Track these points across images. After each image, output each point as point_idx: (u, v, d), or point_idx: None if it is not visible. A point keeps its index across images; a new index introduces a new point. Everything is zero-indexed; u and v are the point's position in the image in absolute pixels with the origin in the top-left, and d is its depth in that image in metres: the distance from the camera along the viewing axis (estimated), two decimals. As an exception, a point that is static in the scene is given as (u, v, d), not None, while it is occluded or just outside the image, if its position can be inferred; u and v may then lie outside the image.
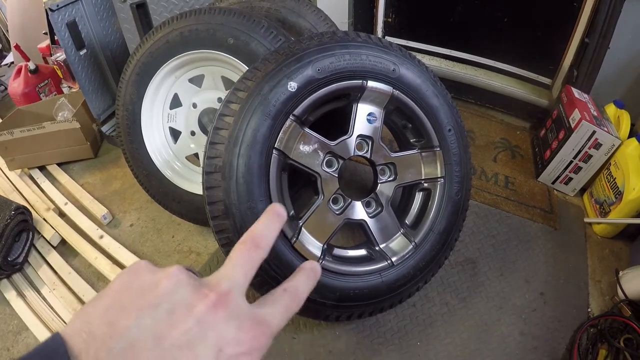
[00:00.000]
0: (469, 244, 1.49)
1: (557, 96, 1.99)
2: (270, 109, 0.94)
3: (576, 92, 1.84)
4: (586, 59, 1.85)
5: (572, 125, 1.67)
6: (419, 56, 2.29)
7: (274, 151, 0.96)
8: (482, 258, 1.46)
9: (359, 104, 1.10)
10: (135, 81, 1.36)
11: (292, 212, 1.03)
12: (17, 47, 2.37)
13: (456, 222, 1.19)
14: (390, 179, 1.17)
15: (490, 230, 1.54)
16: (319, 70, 0.99)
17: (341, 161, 1.09)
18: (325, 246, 1.06)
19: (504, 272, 1.43)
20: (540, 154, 1.87)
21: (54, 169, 2.02)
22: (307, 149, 1.03)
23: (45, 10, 1.77)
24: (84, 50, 1.93)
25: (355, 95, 1.09)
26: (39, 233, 1.72)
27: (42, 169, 2.04)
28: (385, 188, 1.16)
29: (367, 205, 1.14)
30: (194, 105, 1.39)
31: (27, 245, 1.65)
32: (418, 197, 1.22)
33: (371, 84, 1.07)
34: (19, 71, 2.31)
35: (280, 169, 0.99)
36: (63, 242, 1.69)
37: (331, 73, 1.00)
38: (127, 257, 1.53)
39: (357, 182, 1.75)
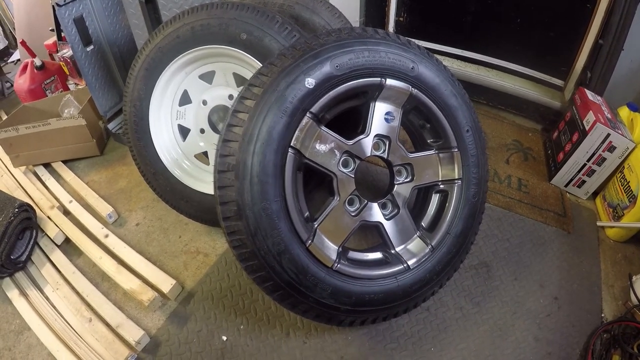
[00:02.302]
0: (483, 247, 1.44)
1: (569, 98, 1.94)
2: (286, 106, 0.89)
3: (590, 94, 1.79)
4: (600, 61, 1.81)
5: (586, 128, 1.62)
6: (431, 56, 2.31)
7: (290, 150, 0.92)
8: (496, 262, 1.41)
9: (376, 103, 1.06)
10: (143, 77, 1.31)
11: (307, 214, 0.99)
12: (23, 43, 2.32)
13: (473, 225, 1.15)
14: (407, 180, 1.12)
15: (504, 234, 1.49)
16: (337, 66, 0.94)
17: (358, 161, 1.04)
18: (340, 249, 1.01)
19: (518, 276, 1.38)
20: (553, 156, 1.82)
21: (59, 166, 1.97)
22: (324, 148, 0.98)
23: (53, 6, 1.72)
24: (91, 47, 1.88)
25: (373, 93, 1.05)
26: (42, 231, 1.67)
27: (47, 166, 2.00)
28: (402, 189, 1.11)
29: (383, 206, 1.10)
30: (204, 102, 1.34)
31: (31, 243, 1.61)
32: (435, 199, 1.18)
33: (390, 82, 1.02)
34: (24, 68, 2.27)
35: (295, 168, 0.94)
36: (67, 240, 1.64)
37: (350, 70, 0.96)
38: (132, 257, 1.47)
39: (371, 182, 1.70)
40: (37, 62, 2.25)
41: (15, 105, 2.30)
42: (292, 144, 0.92)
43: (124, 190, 1.77)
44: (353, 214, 1.04)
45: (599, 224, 1.65)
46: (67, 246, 1.63)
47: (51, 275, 1.55)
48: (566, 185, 1.74)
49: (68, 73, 2.24)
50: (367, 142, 1.06)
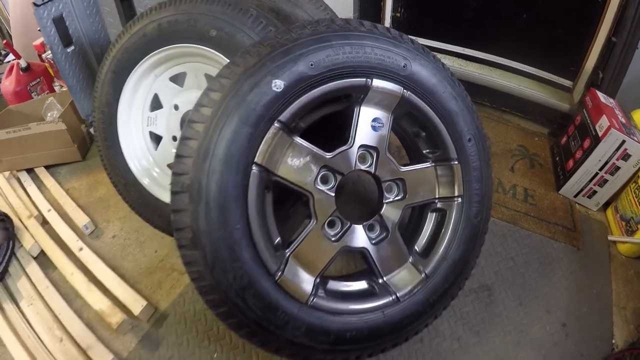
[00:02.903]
0: (484, 267, 1.28)
1: (579, 100, 1.77)
2: (249, 114, 0.73)
3: (602, 97, 1.61)
4: (613, 60, 1.63)
5: (600, 134, 1.45)
6: (429, 55, 2.14)
7: (254, 167, 0.76)
8: (498, 284, 1.25)
9: (361, 107, 0.89)
10: (111, 80, 1.17)
11: (278, 240, 0.83)
12: (7, 44, 2.21)
13: (474, 249, 0.98)
14: (399, 197, 0.95)
15: (509, 252, 1.32)
16: (312, 65, 0.78)
17: (339, 177, 0.88)
18: (317, 279, 0.86)
19: (522, 300, 1.22)
20: (561, 163, 1.65)
21: (41, 172, 1.85)
22: (297, 163, 0.82)
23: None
24: (72, 47, 1.75)
25: (357, 96, 0.88)
26: (19, 242, 1.56)
27: (30, 171, 1.87)
28: (392, 209, 0.95)
29: (370, 229, 0.94)
30: (176, 107, 1.19)
31: (7, 254, 1.49)
32: (430, 219, 1.01)
33: (377, 82, 0.86)
34: (10, 69, 2.15)
35: (262, 188, 0.78)
36: (43, 252, 1.52)
37: (327, 69, 0.80)
38: (105, 274, 1.34)
39: (362, 194, 1.50)
40: (23, 63, 2.13)
41: (2, 108, 2.19)
42: (256, 160, 0.76)
43: (103, 198, 1.64)
44: (333, 239, 0.88)
45: (610, 238, 1.49)
46: (44, 258, 1.51)
47: (26, 289, 1.43)
48: (575, 196, 1.57)
49: (53, 75, 2.12)
50: (351, 154, 0.89)
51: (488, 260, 1.30)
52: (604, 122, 1.46)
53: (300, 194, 0.85)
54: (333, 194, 0.87)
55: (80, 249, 1.46)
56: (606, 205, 1.58)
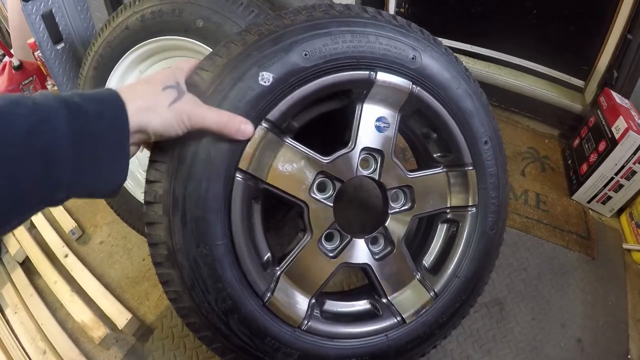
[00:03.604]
0: (496, 280, 1.16)
1: (591, 100, 1.65)
2: (232, 112, 0.63)
3: (617, 97, 1.50)
4: (628, 58, 1.51)
5: (617, 136, 1.33)
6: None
7: (238, 173, 0.64)
8: (511, 297, 1.13)
9: (364, 105, 0.76)
10: (92, 77, 1.06)
11: (268, 255, 0.72)
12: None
13: (489, 264, 0.86)
14: (406, 207, 0.82)
15: (521, 262, 1.21)
16: (306, 55, 0.65)
17: (338, 184, 0.76)
18: (313, 300, 0.74)
19: (536, 314, 1.11)
20: (574, 167, 1.53)
21: (30, 174, 1.75)
22: (289, 169, 0.70)
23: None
24: (62, 44, 1.64)
25: (359, 92, 0.75)
26: (5, 247, 1.47)
27: (20, 173, 1.78)
28: (399, 220, 0.82)
29: (372, 242, 0.81)
30: (163, 107, 1.09)
31: (-7, 259, 1.40)
32: (441, 231, 0.88)
33: (382, 76, 0.73)
34: (3, 68, 2.06)
35: (248, 197, 0.67)
36: (29, 258, 1.42)
37: (324, 60, 0.67)
38: (90, 283, 1.23)
39: (362, 204, 1.31)
40: (15, 62, 2.03)
41: None
42: (239, 166, 0.63)
43: (91, 202, 1.53)
44: (331, 255, 0.76)
45: (625, 246, 1.38)
46: (30, 264, 1.41)
47: (11, 297, 1.34)
48: (589, 202, 1.45)
49: (46, 73, 2.02)
50: (352, 158, 0.76)
51: (499, 272, 1.18)
52: (621, 123, 1.34)
53: (294, 204, 0.73)
54: (331, 204, 0.75)
55: (66, 256, 1.35)
56: (620, 211, 1.47)
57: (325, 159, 0.74)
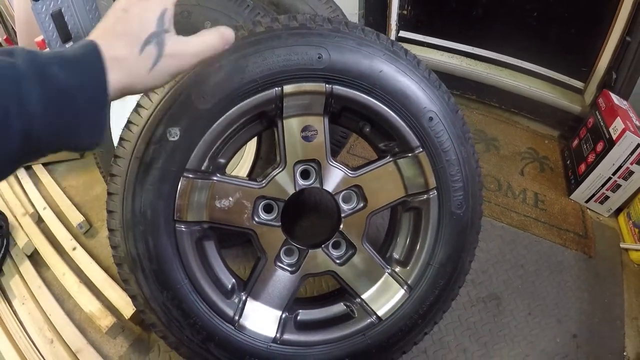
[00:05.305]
0: (493, 275, 1.20)
1: (591, 102, 1.68)
2: (153, 175, 0.67)
3: (615, 98, 1.53)
4: (627, 60, 1.55)
5: (614, 137, 1.37)
6: (437, 53, 1.98)
7: (177, 225, 0.70)
8: (507, 293, 1.17)
9: (284, 121, 0.74)
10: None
11: (232, 282, 0.78)
12: (7, 39, 2.16)
13: (465, 244, 0.83)
14: (359, 207, 0.81)
15: (518, 259, 1.25)
16: (204, 98, 0.66)
17: (281, 204, 0.77)
18: (284, 313, 0.78)
19: (532, 310, 1.15)
20: (573, 167, 1.56)
21: (38, 169, 1.80)
22: (227, 203, 0.73)
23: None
24: (70, 43, 1.69)
25: (272, 110, 0.73)
26: (14, 240, 1.51)
27: (28, 168, 1.82)
28: (354, 221, 0.81)
29: (334, 247, 0.82)
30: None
31: (1, 252, 1.44)
32: (406, 221, 0.86)
33: (289, 88, 0.71)
34: (11, 65, 2.11)
35: (196, 241, 0.73)
36: (37, 251, 1.47)
37: (224, 94, 0.67)
38: (97, 275, 1.28)
39: (314, 212, 1.24)
40: (22, 59, 2.08)
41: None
42: (177, 218, 0.69)
43: (99, 197, 1.58)
44: (291, 270, 0.79)
45: (622, 245, 1.41)
46: (38, 257, 1.46)
47: (19, 288, 1.38)
48: (587, 201, 1.49)
49: (54, 71, 2.07)
50: (286, 176, 0.76)
51: (496, 268, 1.22)
52: (618, 124, 1.38)
53: (242, 233, 0.76)
54: (279, 224, 0.77)
55: (74, 249, 1.40)
56: (617, 211, 1.50)
57: (258, 185, 0.75)
